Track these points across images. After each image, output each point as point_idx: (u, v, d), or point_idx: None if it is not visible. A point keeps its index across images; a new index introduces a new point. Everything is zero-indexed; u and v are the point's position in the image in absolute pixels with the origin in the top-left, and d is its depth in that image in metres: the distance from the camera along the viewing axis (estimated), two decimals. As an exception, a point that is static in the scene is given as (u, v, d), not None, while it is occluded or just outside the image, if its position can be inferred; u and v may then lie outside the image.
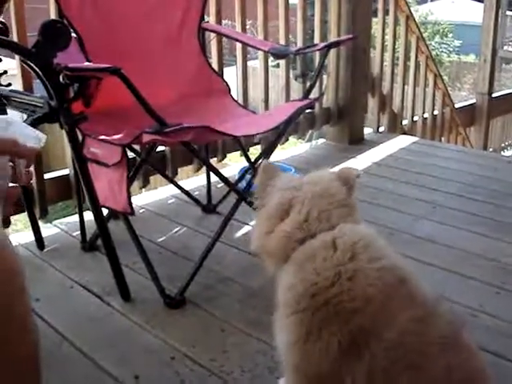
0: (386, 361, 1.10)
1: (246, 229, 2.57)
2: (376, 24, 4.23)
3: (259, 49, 2.59)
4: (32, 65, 1.79)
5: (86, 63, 2.11)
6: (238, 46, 3.18)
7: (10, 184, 0.99)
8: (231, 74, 2.76)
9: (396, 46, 4.34)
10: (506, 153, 9.08)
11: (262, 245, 1.32)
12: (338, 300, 1.14)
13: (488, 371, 1.18)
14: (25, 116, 1.93)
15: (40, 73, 1.79)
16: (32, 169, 1.05)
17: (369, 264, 1.17)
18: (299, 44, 3.45)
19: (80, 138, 2.11)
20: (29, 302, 0.81)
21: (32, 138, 1.02)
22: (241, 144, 2.67)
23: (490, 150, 6.60)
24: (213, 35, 2.86)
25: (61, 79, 1.84)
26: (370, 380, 1.11)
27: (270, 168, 1.37)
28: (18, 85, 2.33)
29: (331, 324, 1.14)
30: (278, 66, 3.70)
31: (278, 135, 2.20)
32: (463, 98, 6.78)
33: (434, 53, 4.81)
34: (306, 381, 1.22)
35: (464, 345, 1.17)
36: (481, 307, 2.00)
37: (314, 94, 2.45)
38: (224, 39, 3.02)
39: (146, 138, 1.82)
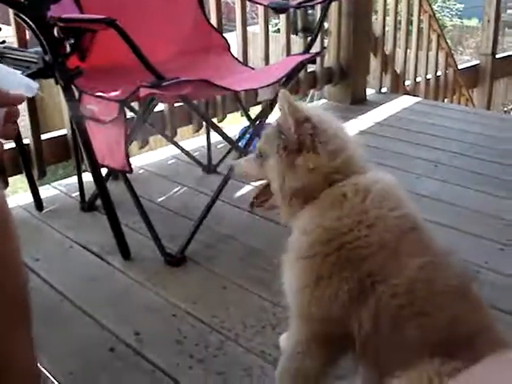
0: (393, 307, 1.08)
1: (246, 188, 2.53)
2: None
3: (258, 3, 2.52)
4: (25, 18, 1.74)
5: (81, 15, 2.05)
6: (237, 6, 3.11)
7: None
8: (230, 40, 2.70)
9: (398, 10, 4.25)
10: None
11: (296, 180, 1.19)
12: (353, 246, 1.11)
13: (497, 327, 1.16)
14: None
15: (33, 26, 1.74)
16: (18, 122, 0.97)
17: (390, 212, 1.14)
18: (299, -1, 3.37)
19: (77, 95, 2.06)
20: (17, 240, 0.78)
21: (22, 85, 0.95)
22: (241, 102, 2.62)
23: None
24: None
25: (55, 33, 1.79)
26: (376, 325, 1.09)
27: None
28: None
29: (342, 270, 1.12)
30: (278, 31, 3.62)
31: (278, 91, 2.14)
32: (466, 61, 6.68)
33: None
34: (313, 325, 1.20)
35: (473, 297, 1.15)
36: (486, 264, 1.98)
37: (315, 50, 2.38)
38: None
39: (144, 91, 1.77)
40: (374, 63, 4.19)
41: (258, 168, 1.28)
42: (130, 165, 1.97)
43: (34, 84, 0.97)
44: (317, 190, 1.18)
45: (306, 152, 1.17)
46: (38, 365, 1.07)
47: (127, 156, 1.97)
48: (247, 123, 2.63)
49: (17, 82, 0.95)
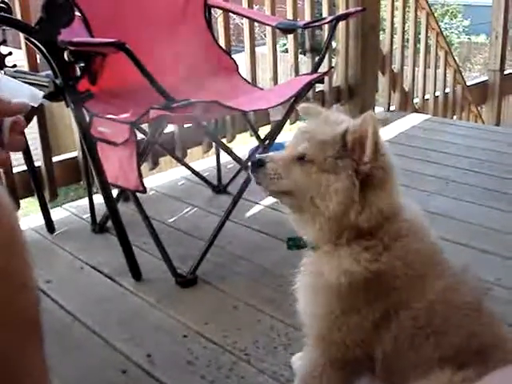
0: (413, 328, 1.09)
1: (256, 208, 2.54)
2: (385, 6, 4.16)
3: (266, 24, 2.54)
4: (36, 42, 1.76)
5: (91, 38, 2.07)
6: (246, 26, 3.14)
7: None
8: (239, 61, 2.72)
9: (406, 28, 4.27)
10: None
11: (363, 218, 1.08)
12: (391, 284, 1.11)
13: (509, 341, 1.15)
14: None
15: (44, 50, 1.76)
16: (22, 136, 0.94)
17: (425, 244, 1.15)
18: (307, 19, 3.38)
19: (87, 118, 2.08)
20: (27, 257, 0.79)
21: (26, 95, 0.94)
22: (250, 123, 2.63)
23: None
24: (219, 12, 2.82)
25: (65, 57, 1.81)
26: (395, 345, 1.10)
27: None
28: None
29: (374, 303, 1.12)
30: (286, 51, 3.64)
31: (287, 111, 2.15)
32: (474, 78, 6.68)
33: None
34: (332, 349, 1.19)
35: (485, 312, 1.15)
36: (497, 281, 1.96)
37: (323, 69, 2.39)
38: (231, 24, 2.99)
39: (154, 113, 1.79)
40: (383, 81, 4.20)
41: (297, 173, 1.11)
42: (143, 185, 1.98)
43: (39, 93, 0.97)
44: (372, 229, 1.10)
45: (375, 189, 1.08)
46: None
47: (140, 176, 1.98)
48: (256, 143, 2.64)
49: (21, 91, 0.95)
